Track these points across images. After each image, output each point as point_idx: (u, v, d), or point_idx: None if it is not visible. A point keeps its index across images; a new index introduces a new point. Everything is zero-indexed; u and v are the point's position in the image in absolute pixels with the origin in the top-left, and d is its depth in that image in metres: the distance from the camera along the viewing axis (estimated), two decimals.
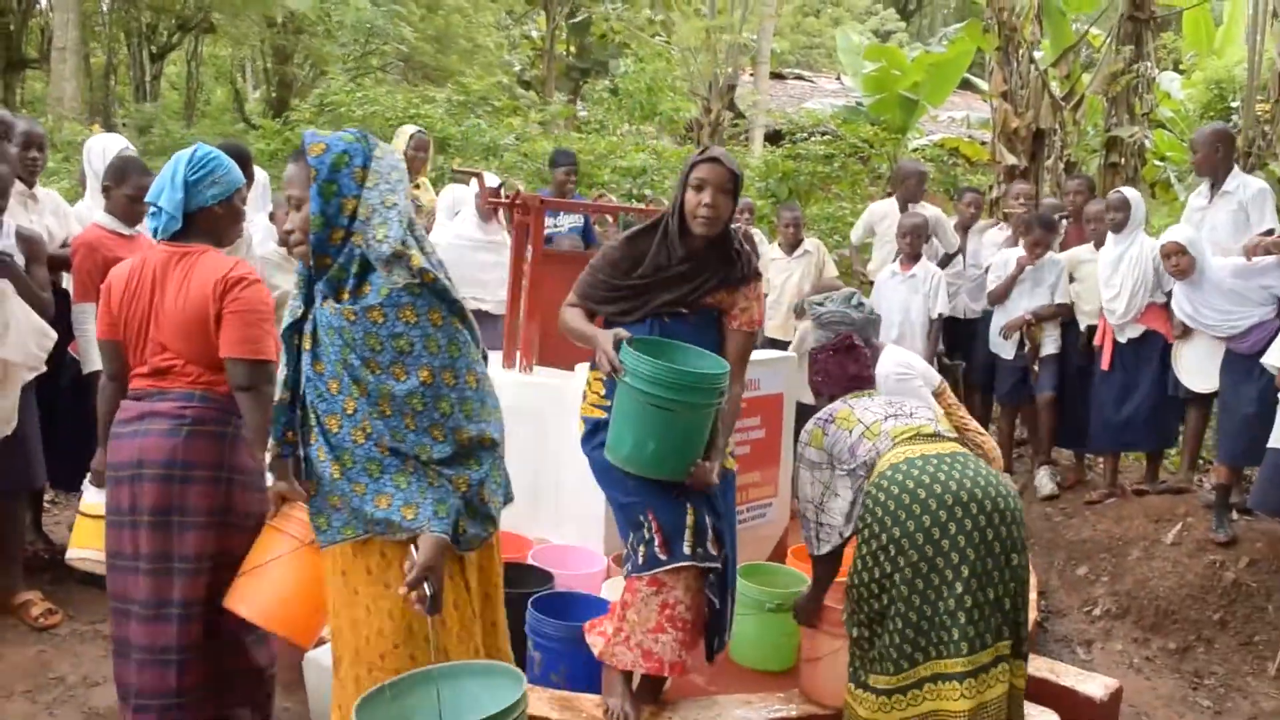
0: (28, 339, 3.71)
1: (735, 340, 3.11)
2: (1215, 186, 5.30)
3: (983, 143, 14.09)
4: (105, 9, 16.83)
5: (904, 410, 3.09)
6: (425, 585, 2.15)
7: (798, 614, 3.47)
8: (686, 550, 2.99)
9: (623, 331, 2.88)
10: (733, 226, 3.09)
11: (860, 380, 3.37)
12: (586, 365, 4.37)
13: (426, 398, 2.13)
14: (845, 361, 3.41)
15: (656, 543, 3.00)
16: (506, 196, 4.65)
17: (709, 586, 3.12)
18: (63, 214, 4.47)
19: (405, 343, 2.12)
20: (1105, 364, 5.52)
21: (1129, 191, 5.58)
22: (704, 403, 2.82)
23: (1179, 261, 4.87)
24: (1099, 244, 5.68)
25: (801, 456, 3.20)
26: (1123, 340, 5.48)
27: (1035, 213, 5.99)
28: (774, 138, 15.09)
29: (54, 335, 3.82)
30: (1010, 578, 2.79)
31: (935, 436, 2.98)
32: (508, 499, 2.40)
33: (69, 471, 4.04)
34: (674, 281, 3.03)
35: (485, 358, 2.39)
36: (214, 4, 13.62)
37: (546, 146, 9.24)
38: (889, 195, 11.17)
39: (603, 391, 3.11)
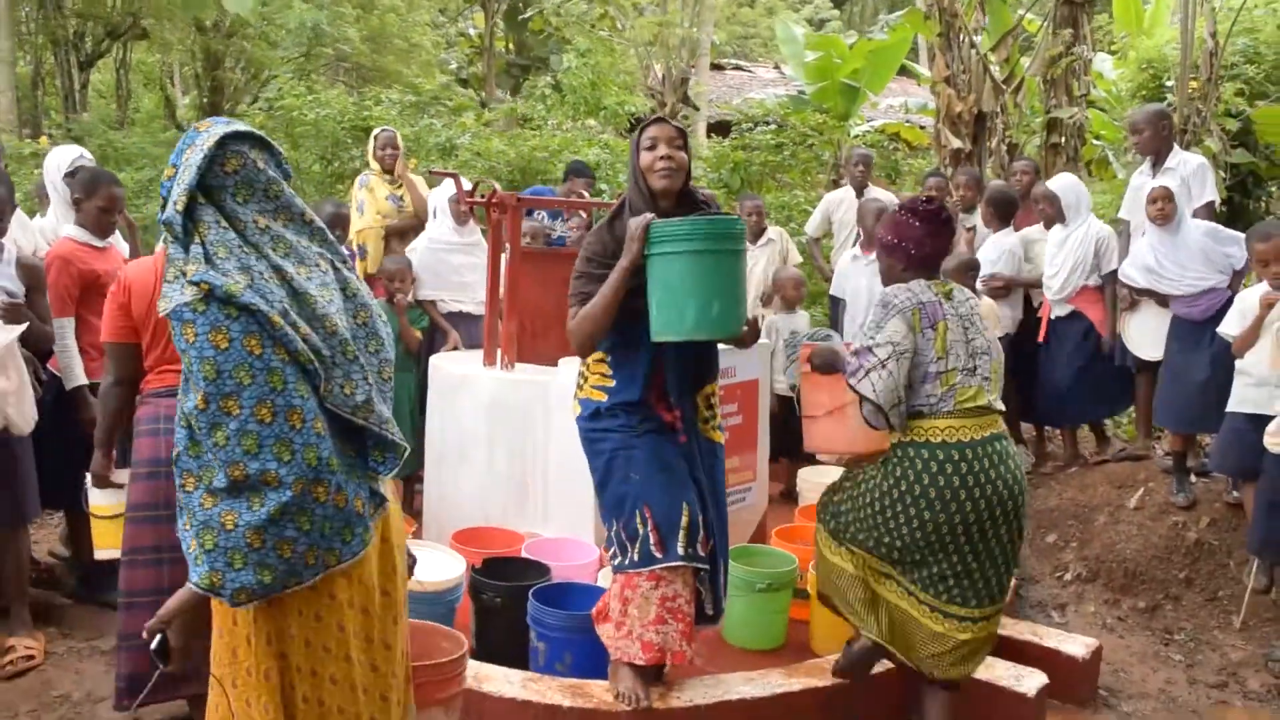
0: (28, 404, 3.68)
1: None
2: (1156, 164, 5.51)
3: (921, 127, 14.38)
4: (25, 16, 16.39)
5: (975, 360, 3.08)
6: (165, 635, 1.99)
7: (817, 360, 3.31)
8: (680, 550, 3.08)
9: (647, 215, 2.98)
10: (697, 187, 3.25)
11: (937, 260, 3.21)
12: (572, 359, 4.46)
13: (202, 423, 1.88)
14: (938, 232, 3.17)
15: (652, 540, 3.09)
16: (483, 196, 4.69)
17: (699, 580, 3.24)
18: (26, 228, 4.42)
19: (187, 361, 1.89)
20: (1041, 336, 5.78)
21: (1055, 184, 5.76)
22: (741, 246, 3.00)
23: (1164, 207, 5.03)
24: (1048, 224, 5.88)
25: (901, 310, 3.04)
26: (1054, 317, 5.77)
27: (995, 187, 6.20)
28: (717, 129, 15.22)
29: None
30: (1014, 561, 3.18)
31: (986, 409, 3.06)
32: (337, 552, 2.02)
33: (52, 489, 4.00)
34: None
35: (320, 385, 2.00)
36: (148, 10, 13.33)
37: (499, 145, 9.26)
38: (834, 182, 11.39)
39: (608, 371, 3.17)
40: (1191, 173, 5.32)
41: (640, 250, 2.93)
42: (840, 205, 6.80)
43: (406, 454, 2.17)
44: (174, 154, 2.02)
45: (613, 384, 3.16)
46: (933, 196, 3.23)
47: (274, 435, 1.89)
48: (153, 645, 2.00)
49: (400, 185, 6.27)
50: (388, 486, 2.19)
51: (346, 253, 2.22)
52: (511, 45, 18.50)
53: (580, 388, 3.28)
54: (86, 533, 4.28)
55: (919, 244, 3.14)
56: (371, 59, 15.38)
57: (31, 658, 3.68)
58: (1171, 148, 5.48)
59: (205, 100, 17.65)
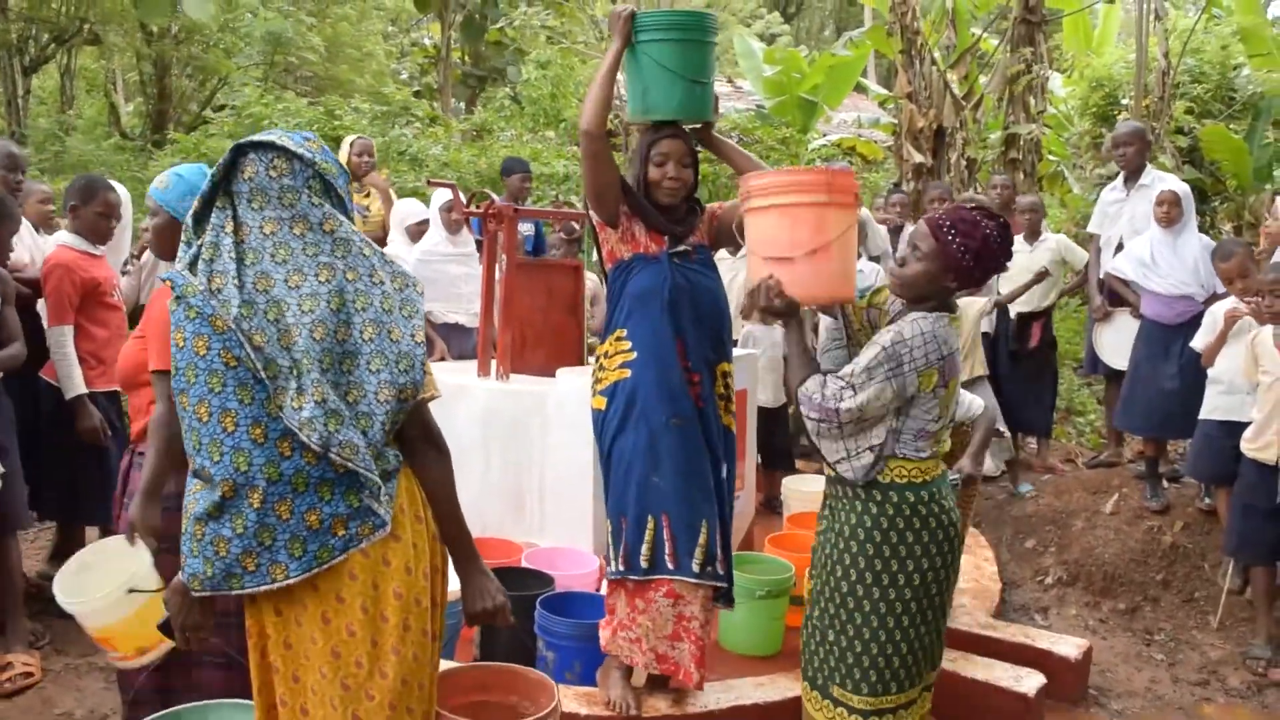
0: None
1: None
2: (1130, 180, 5.70)
3: (875, 141, 14.64)
4: None
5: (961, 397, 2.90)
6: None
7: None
8: (695, 568, 3.09)
9: (630, 5, 3.13)
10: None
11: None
12: (570, 370, 4.49)
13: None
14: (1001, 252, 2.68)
15: (666, 550, 3.10)
16: (478, 206, 4.70)
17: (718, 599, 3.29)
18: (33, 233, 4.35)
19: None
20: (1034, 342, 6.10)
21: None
22: (715, 40, 3.26)
23: (1170, 211, 5.19)
24: (1029, 237, 6.05)
25: (900, 374, 2.58)
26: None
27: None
28: None
29: None
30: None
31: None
32: (284, 565, 2.01)
33: (53, 501, 3.93)
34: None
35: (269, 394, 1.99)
36: (103, 14, 13.09)
37: (467, 156, 9.25)
38: None
39: (628, 346, 3.18)
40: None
41: (628, 31, 3.10)
42: None
43: (377, 484, 2.04)
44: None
45: (634, 356, 3.15)
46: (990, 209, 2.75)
47: (209, 434, 1.95)
48: (159, 622, 2.14)
49: (367, 195, 6.26)
50: (388, 509, 2.07)
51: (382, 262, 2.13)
52: (467, 56, 18.40)
53: (600, 380, 3.25)
54: (76, 546, 4.24)
55: (997, 267, 2.72)
56: (324, 67, 15.27)
57: (30, 674, 3.61)
58: (1145, 165, 5.68)
59: (151, 107, 17.36)
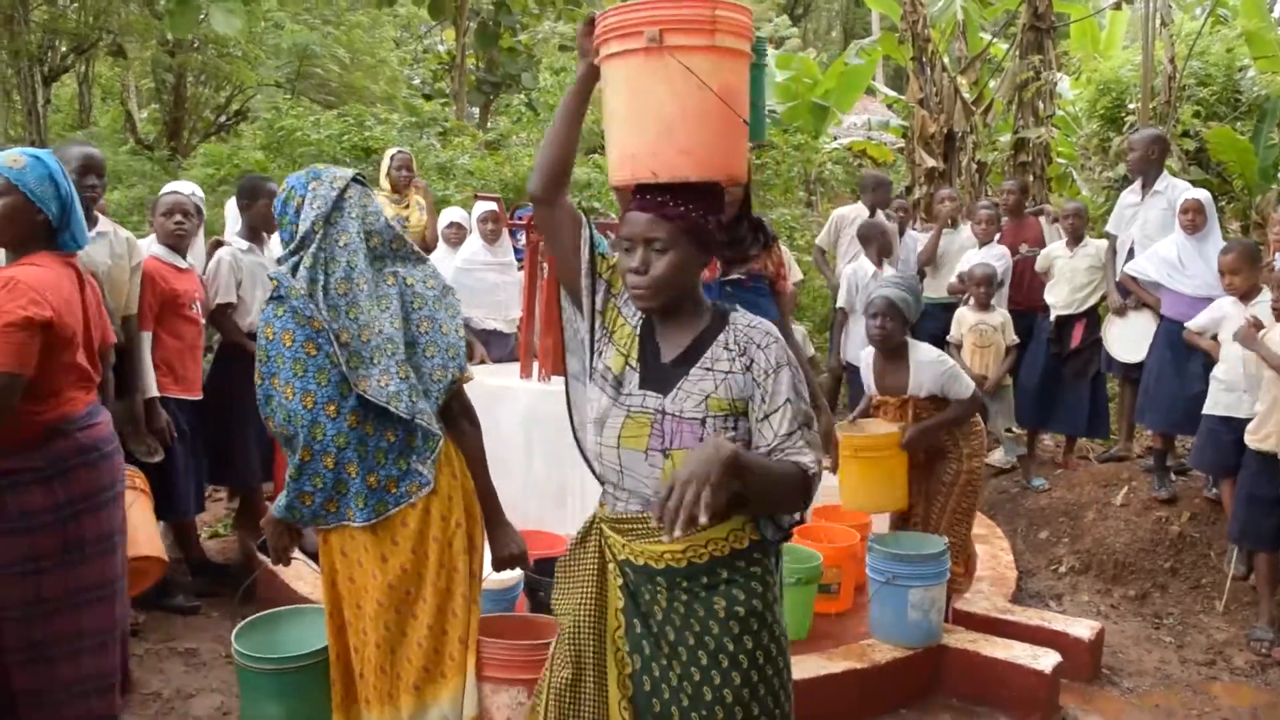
0: None
1: (783, 299, 3.66)
2: (1146, 186, 5.90)
3: (885, 144, 14.87)
4: None
5: None
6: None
7: None
8: None
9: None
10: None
11: None
12: None
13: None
14: None
15: None
16: (519, 218, 4.96)
17: None
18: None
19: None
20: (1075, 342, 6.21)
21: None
22: (763, 61, 2.93)
23: (1195, 218, 5.38)
24: (1072, 242, 6.23)
25: None
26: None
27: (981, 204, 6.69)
28: None
29: None
30: None
31: None
32: (352, 510, 2.54)
33: None
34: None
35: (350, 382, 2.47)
36: (124, 26, 13.35)
37: (491, 164, 9.50)
38: (808, 200, 11.80)
39: None
40: (1178, 196, 5.65)
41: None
42: (855, 223, 6.99)
43: (440, 441, 2.57)
44: (299, 185, 2.56)
45: None
46: None
47: (293, 410, 2.44)
48: (256, 543, 2.72)
49: (406, 206, 6.48)
50: (431, 470, 2.56)
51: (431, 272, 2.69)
52: (481, 62, 18.66)
53: None
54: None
55: None
56: (339, 75, 15.51)
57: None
58: (1161, 171, 5.87)
59: (167, 115, 17.61)
